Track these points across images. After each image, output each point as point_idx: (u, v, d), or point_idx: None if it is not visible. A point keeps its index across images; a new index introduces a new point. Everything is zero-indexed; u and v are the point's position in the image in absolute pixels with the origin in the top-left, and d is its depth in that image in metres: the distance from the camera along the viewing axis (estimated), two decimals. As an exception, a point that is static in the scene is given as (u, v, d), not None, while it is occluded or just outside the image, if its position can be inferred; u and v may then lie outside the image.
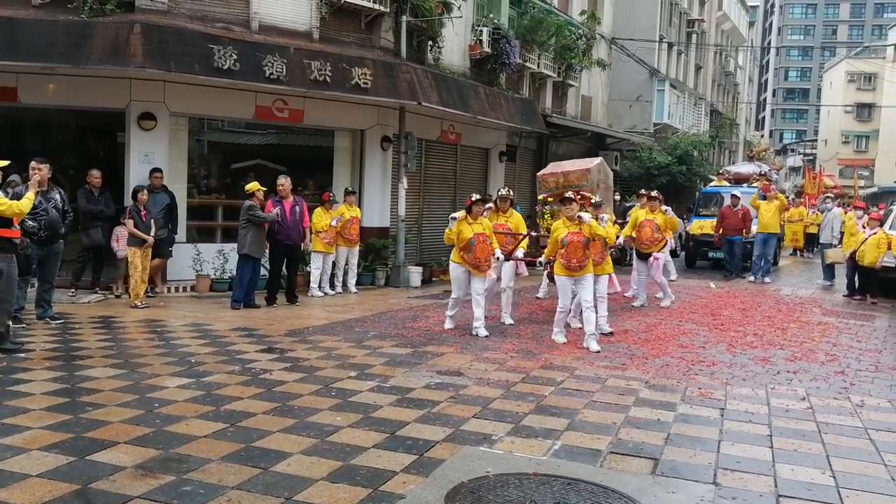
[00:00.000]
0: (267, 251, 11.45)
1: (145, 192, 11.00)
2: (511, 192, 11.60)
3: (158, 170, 11.80)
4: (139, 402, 6.00)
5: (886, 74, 56.39)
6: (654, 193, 13.17)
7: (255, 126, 14.14)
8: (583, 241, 8.97)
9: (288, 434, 5.34)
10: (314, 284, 12.66)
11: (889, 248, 13.53)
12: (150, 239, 10.72)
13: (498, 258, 9.83)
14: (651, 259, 12.53)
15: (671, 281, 14.41)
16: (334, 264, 13.08)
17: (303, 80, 12.40)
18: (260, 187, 11.17)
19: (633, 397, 6.72)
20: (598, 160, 13.66)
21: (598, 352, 8.66)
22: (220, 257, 12.62)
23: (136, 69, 11.07)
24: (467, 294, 9.82)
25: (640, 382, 7.29)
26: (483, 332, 9.43)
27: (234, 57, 11.61)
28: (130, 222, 10.55)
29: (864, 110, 67.06)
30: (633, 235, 12.71)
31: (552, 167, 13.44)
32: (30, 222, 8.65)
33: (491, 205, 11.09)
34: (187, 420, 5.58)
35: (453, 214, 9.81)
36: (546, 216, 12.53)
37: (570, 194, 9.73)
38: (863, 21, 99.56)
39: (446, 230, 9.64)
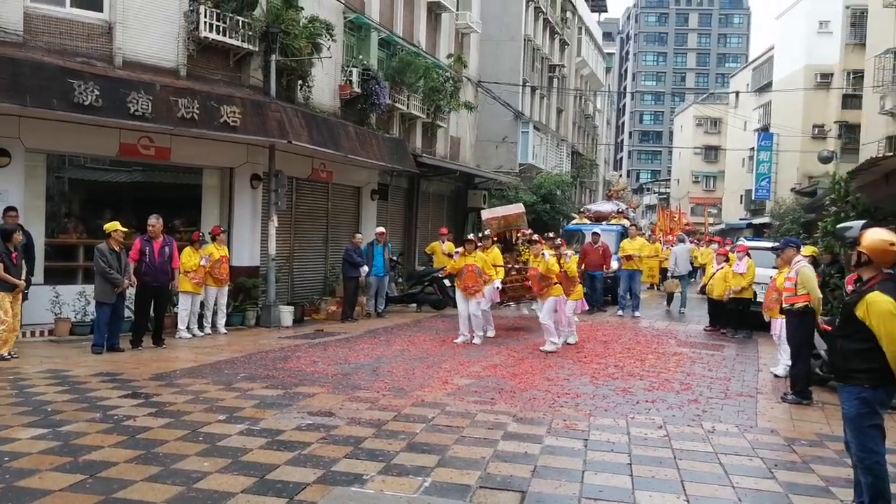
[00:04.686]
0: (133, 291, 11.06)
1: (20, 232, 10.29)
2: (490, 232, 14.41)
3: (13, 208, 11.12)
4: (-11, 455, 5.66)
5: (729, 119, 60.64)
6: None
7: (119, 163, 13.65)
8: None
9: (152, 483, 5.19)
10: (182, 325, 12.30)
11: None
12: (22, 283, 10.02)
13: (497, 287, 13.00)
14: None
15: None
16: (203, 304, 12.78)
17: (169, 117, 12.14)
18: (119, 227, 10.73)
19: (501, 431, 6.93)
20: (521, 205, 16.90)
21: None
22: (81, 299, 12.06)
23: (-12, 103, 10.54)
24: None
25: (508, 416, 7.52)
26: (476, 341, 12.46)
27: (97, 93, 11.25)
28: (0, 266, 9.74)
29: (711, 152, 71.95)
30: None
31: (490, 212, 16.17)
32: None
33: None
34: (41, 473, 5.31)
35: (457, 249, 13.61)
36: (524, 251, 14.65)
37: (530, 233, 13.95)
38: (708, 70, 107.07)
39: (450, 262, 13.34)
